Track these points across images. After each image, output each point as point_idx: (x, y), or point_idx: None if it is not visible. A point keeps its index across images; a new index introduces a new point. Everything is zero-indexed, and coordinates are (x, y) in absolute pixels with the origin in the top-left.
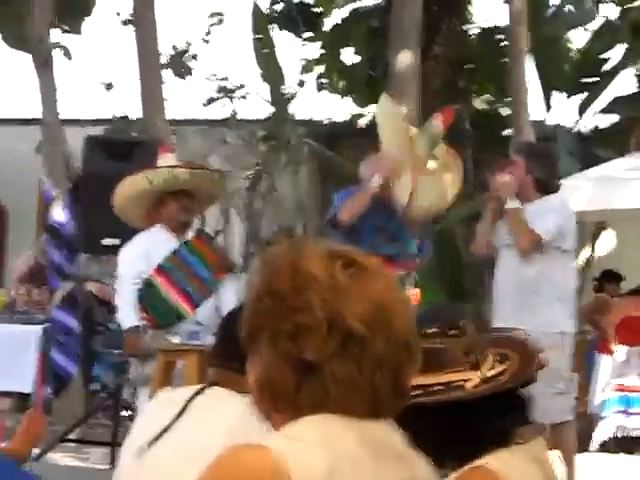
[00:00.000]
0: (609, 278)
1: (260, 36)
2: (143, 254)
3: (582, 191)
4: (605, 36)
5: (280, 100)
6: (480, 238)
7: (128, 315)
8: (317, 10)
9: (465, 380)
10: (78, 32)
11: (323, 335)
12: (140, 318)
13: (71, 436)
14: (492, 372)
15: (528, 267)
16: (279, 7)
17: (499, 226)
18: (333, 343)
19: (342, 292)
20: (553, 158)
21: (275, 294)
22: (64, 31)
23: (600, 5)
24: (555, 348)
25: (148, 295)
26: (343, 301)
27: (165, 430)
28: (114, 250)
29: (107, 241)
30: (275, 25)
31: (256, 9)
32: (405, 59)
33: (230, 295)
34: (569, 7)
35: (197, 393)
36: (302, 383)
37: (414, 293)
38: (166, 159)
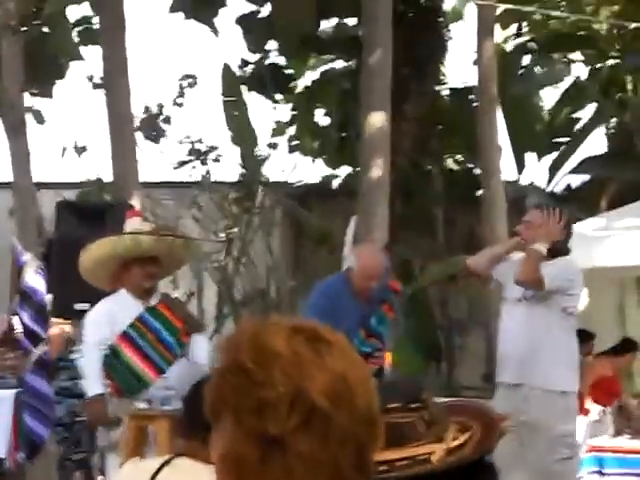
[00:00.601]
0: (582, 337)
1: (232, 98)
2: (107, 320)
3: None
4: (575, 96)
5: (252, 162)
6: (485, 256)
7: (93, 382)
8: (288, 72)
9: (430, 453)
10: (49, 96)
11: (286, 410)
12: (105, 385)
13: None
14: (456, 442)
15: (534, 325)
16: (249, 69)
17: (509, 280)
18: (296, 418)
19: (305, 367)
20: (570, 224)
21: (238, 370)
22: (34, 94)
23: (571, 65)
24: (560, 411)
25: (112, 362)
26: (306, 376)
27: None
28: (85, 315)
29: (79, 306)
30: (245, 87)
31: (226, 70)
32: (376, 120)
33: (203, 355)
34: (539, 67)
35: (164, 464)
36: (265, 458)
37: (386, 356)
38: (133, 223)
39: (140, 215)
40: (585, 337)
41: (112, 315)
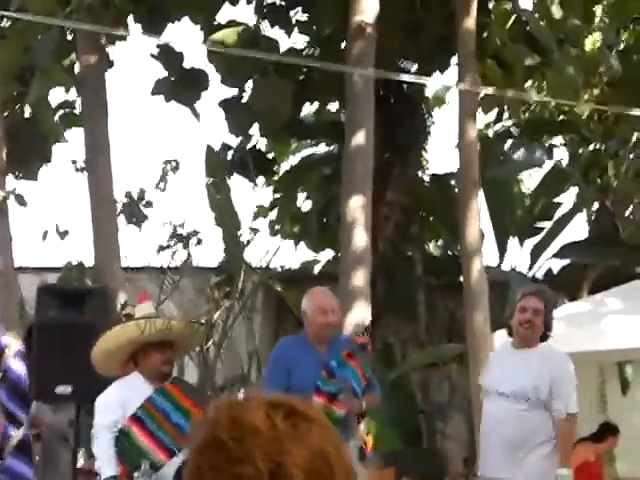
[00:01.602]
0: None
1: (214, 180)
2: (119, 403)
3: None
4: (556, 180)
5: (234, 246)
6: None
7: (105, 465)
8: (270, 156)
9: None
10: (34, 178)
11: None
12: (117, 467)
13: None
14: None
15: (521, 424)
16: (231, 153)
17: (493, 371)
18: None
19: (283, 442)
20: (554, 306)
21: (216, 446)
22: (18, 178)
23: (553, 149)
24: None
25: (122, 444)
26: (285, 451)
27: None
28: (66, 398)
29: (60, 389)
30: (227, 171)
31: (210, 152)
32: (357, 204)
33: None
34: (520, 152)
35: None
36: None
37: (368, 440)
38: (145, 308)
39: (149, 299)
40: None
41: (123, 398)
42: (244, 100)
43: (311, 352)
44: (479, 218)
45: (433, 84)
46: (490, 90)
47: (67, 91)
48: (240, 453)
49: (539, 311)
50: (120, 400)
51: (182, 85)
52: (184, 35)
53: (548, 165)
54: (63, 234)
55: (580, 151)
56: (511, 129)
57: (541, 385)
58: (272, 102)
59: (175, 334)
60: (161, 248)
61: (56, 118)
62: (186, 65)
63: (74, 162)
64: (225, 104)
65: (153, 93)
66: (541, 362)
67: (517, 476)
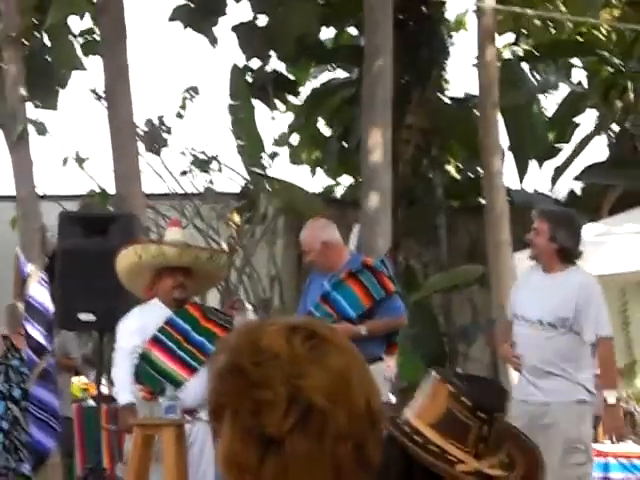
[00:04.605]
0: None
1: (237, 102)
2: (139, 328)
3: None
4: (575, 102)
5: (256, 169)
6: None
7: (123, 390)
8: (289, 80)
9: (460, 461)
10: (54, 108)
11: (284, 410)
12: (137, 391)
13: None
14: (489, 471)
15: (550, 344)
16: (250, 77)
17: (519, 296)
18: (293, 417)
19: (302, 365)
20: (578, 225)
21: (236, 370)
22: (38, 106)
23: (572, 70)
24: (577, 419)
25: (143, 367)
26: (303, 375)
27: None
28: (90, 325)
29: (83, 316)
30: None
31: (235, 72)
32: (376, 130)
33: None
34: (538, 74)
35: None
36: (264, 458)
37: (390, 364)
38: (173, 233)
39: (179, 225)
40: None
41: (143, 323)
42: (260, 23)
43: (322, 279)
44: (499, 139)
45: (453, 3)
46: (507, 8)
47: (81, 18)
48: (259, 378)
49: (539, 231)
50: (140, 325)
51: (200, 12)
52: None
53: (566, 87)
54: (82, 161)
55: (599, 72)
56: (528, 51)
57: (565, 313)
58: (294, 22)
59: (172, 260)
60: (182, 173)
61: (77, 46)
62: None
63: (93, 91)
64: (238, 29)
65: (171, 19)
66: (566, 287)
67: (545, 398)
